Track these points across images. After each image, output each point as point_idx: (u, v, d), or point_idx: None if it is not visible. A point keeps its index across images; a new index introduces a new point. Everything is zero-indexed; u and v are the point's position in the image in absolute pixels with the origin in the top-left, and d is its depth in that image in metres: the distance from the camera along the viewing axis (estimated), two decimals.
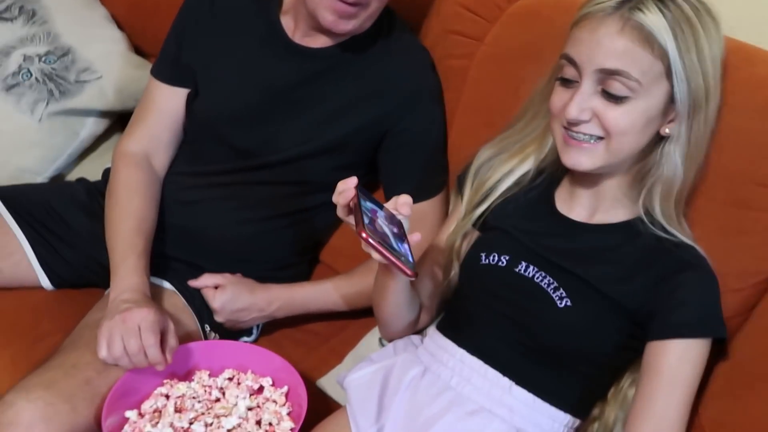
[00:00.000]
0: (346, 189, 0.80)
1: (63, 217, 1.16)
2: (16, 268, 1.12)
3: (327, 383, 1.08)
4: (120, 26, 1.46)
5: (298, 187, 1.14)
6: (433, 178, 1.14)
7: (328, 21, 1.00)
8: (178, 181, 1.15)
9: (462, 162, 1.14)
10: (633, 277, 0.83)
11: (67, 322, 1.06)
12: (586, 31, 0.80)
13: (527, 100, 0.94)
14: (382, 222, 0.80)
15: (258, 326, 1.16)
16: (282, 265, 1.20)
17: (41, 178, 1.28)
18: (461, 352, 0.90)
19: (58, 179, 1.31)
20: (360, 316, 1.16)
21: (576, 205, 0.91)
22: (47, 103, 1.26)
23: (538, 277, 0.87)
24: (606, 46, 0.78)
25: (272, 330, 1.17)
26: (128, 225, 1.05)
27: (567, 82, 0.82)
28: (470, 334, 0.91)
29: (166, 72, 1.14)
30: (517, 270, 0.89)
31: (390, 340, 1.03)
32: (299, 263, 1.24)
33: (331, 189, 1.15)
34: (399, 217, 0.83)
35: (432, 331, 0.98)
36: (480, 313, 0.91)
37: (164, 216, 1.13)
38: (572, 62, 0.81)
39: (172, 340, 0.93)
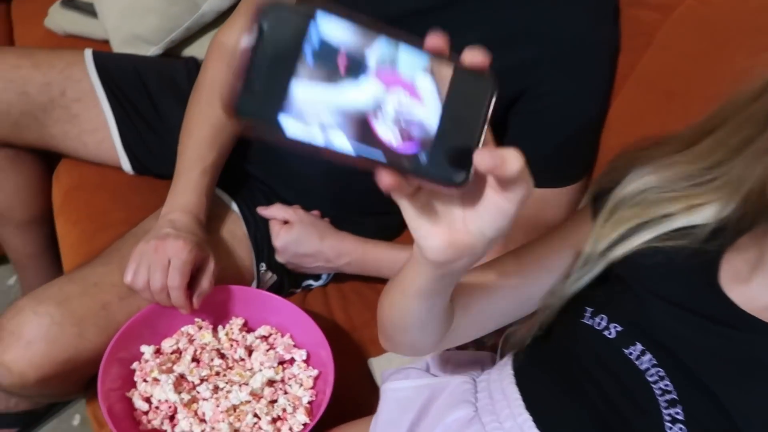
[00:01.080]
0: None
1: (155, 101, 1.07)
2: (100, 145, 1.06)
3: (377, 366, 0.93)
4: None
5: None
6: (571, 162, 0.87)
7: None
8: None
9: (616, 151, 0.86)
10: None
11: (134, 214, 0.99)
12: None
13: (723, 116, 0.60)
14: None
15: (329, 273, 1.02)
16: (370, 212, 1.03)
17: (154, 48, 1.18)
18: (525, 418, 0.67)
19: (172, 52, 1.21)
20: None
21: (756, 289, 0.58)
22: None
23: (651, 374, 0.59)
24: None
25: (345, 279, 1.03)
26: (203, 132, 0.92)
27: None
28: (544, 399, 0.67)
29: None
30: (626, 351, 0.61)
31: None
32: (391, 213, 1.06)
33: None
34: None
35: (505, 365, 0.76)
36: (563, 380, 0.66)
37: None
38: None
39: (205, 283, 0.82)
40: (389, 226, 1.07)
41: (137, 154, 1.07)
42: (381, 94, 0.38)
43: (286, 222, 0.95)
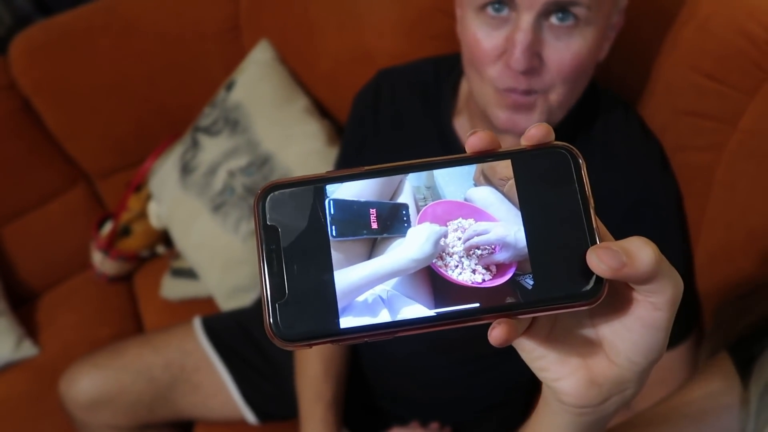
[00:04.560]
0: None
1: (261, 348, 1.13)
2: (224, 406, 1.12)
3: None
4: (325, 113, 1.39)
5: None
6: (680, 317, 0.82)
7: (501, 120, 0.76)
8: None
9: (715, 298, 0.80)
10: None
11: None
12: None
13: None
14: None
15: None
16: (489, 406, 1.00)
17: (253, 294, 1.27)
18: None
19: None
20: None
21: None
22: (249, 220, 1.24)
23: None
24: None
25: None
26: (315, 368, 0.96)
27: None
28: None
29: None
30: None
31: None
32: (513, 401, 1.02)
33: None
34: None
35: None
36: None
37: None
38: None
39: None
40: (511, 417, 1.02)
41: (258, 403, 1.12)
42: (436, 234, 0.31)
43: None
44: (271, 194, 0.30)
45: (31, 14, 1.70)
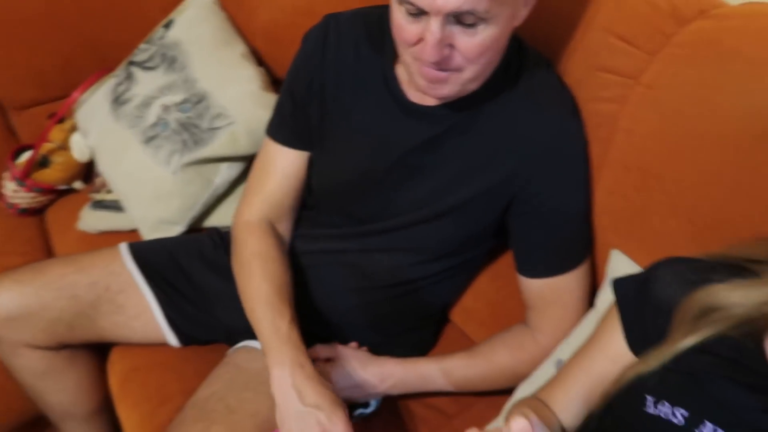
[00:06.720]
0: None
1: (188, 275, 1.16)
2: (147, 327, 1.14)
3: None
4: (260, 61, 1.43)
5: (415, 255, 1.01)
6: (573, 248, 0.95)
7: (421, 86, 0.86)
8: (292, 246, 1.09)
9: (609, 228, 0.93)
10: None
11: (189, 384, 1.05)
12: None
13: None
14: None
15: (377, 399, 1.07)
16: (401, 331, 1.10)
17: (179, 227, 1.29)
18: None
19: (195, 225, 1.32)
20: (487, 394, 1.03)
21: None
22: (181, 154, 1.27)
23: None
24: None
25: (392, 401, 1.08)
26: (270, 291, 0.97)
27: None
28: None
29: (283, 132, 1.05)
30: None
31: None
32: (422, 327, 1.12)
33: (454, 256, 1.03)
34: None
35: None
36: None
37: None
38: None
39: None
40: (424, 339, 1.12)
41: (181, 327, 1.14)
42: None
43: (328, 360, 1.02)
44: None
45: None
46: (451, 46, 0.80)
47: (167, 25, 1.39)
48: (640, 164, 0.87)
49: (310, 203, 1.09)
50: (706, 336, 0.67)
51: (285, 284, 0.99)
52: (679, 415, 0.66)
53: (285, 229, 1.09)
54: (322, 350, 1.02)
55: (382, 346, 1.05)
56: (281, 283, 0.99)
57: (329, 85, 1.00)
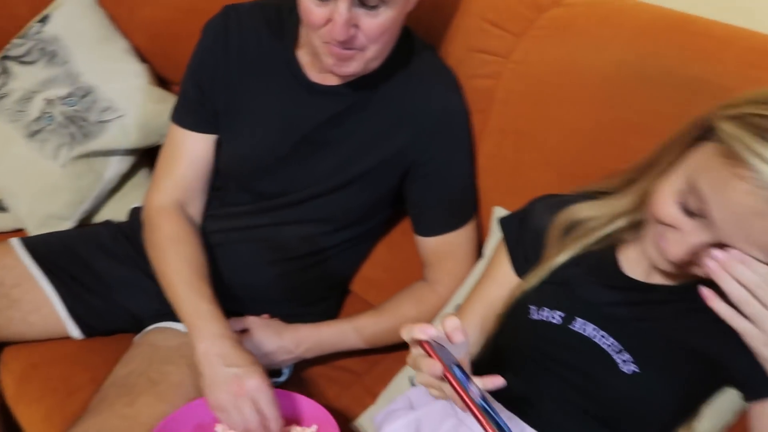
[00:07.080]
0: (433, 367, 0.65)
1: (88, 264, 1.15)
2: (46, 320, 1.11)
3: (365, 424, 1.04)
4: (142, 58, 1.44)
5: (324, 225, 1.09)
6: (462, 207, 1.07)
7: (329, 64, 0.95)
8: (203, 226, 1.12)
9: (491, 188, 1.07)
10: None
11: (98, 373, 1.05)
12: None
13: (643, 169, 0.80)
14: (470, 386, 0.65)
15: (289, 367, 1.12)
16: (311, 301, 1.16)
17: (69, 222, 1.27)
18: (507, 415, 0.83)
19: (86, 221, 1.30)
20: (392, 350, 1.13)
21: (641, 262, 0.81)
22: (70, 147, 1.25)
23: (596, 336, 0.79)
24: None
25: (303, 368, 1.14)
26: (188, 272, 1.00)
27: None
28: (514, 391, 0.84)
29: (189, 118, 1.09)
30: (573, 328, 0.80)
31: None
32: (329, 297, 1.20)
33: (358, 224, 1.12)
34: (454, 342, 0.67)
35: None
36: (528, 371, 0.83)
37: None
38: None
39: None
40: (330, 308, 1.20)
41: (84, 318, 1.13)
42: None
43: (244, 331, 1.06)
44: None
45: None
46: (356, 26, 0.89)
47: (43, 20, 1.36)
48: (515, 128, 1.02)
49: (217, 184, 1.13)
50: (575, 252, 0.84)
51: (202, 264, 1.03)
52: (557, 316, 0.82)
53: (196, 210, 1.12)
54: (236, 323, 1.06)
55: (295, 317, 1.11)
56: (198, 263, 1.02)
57: (233, 70, 1.05)
